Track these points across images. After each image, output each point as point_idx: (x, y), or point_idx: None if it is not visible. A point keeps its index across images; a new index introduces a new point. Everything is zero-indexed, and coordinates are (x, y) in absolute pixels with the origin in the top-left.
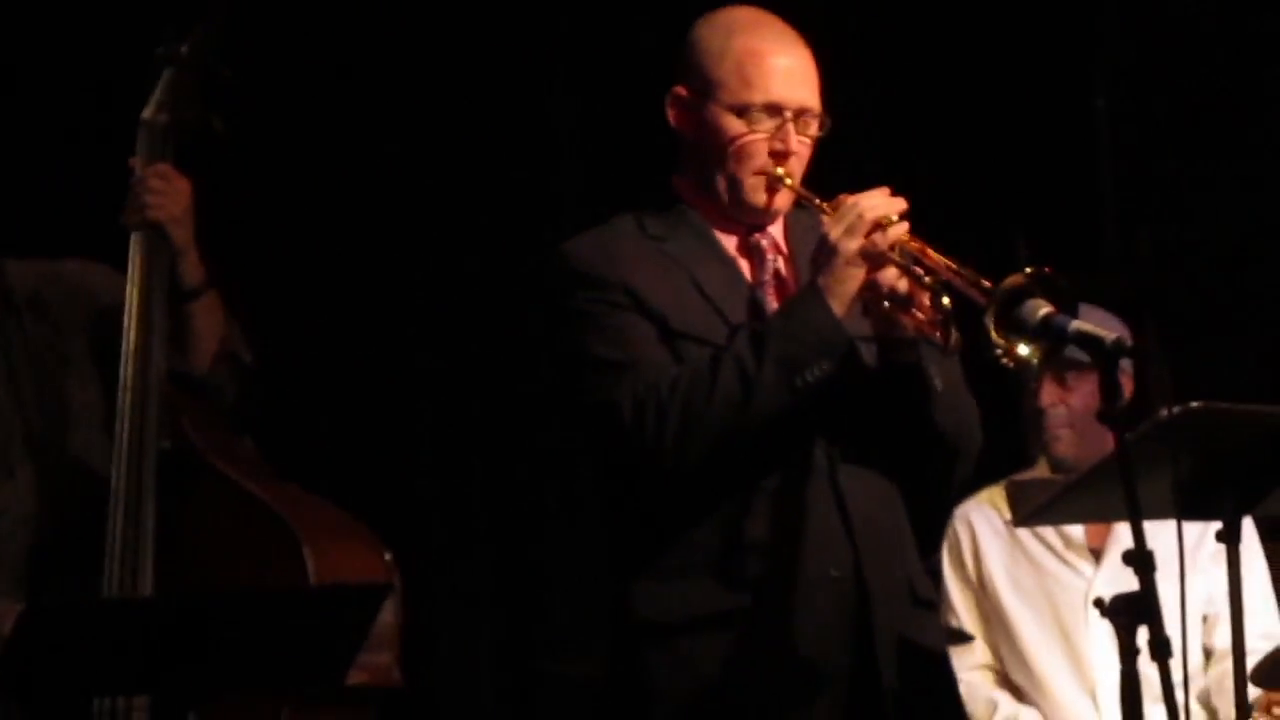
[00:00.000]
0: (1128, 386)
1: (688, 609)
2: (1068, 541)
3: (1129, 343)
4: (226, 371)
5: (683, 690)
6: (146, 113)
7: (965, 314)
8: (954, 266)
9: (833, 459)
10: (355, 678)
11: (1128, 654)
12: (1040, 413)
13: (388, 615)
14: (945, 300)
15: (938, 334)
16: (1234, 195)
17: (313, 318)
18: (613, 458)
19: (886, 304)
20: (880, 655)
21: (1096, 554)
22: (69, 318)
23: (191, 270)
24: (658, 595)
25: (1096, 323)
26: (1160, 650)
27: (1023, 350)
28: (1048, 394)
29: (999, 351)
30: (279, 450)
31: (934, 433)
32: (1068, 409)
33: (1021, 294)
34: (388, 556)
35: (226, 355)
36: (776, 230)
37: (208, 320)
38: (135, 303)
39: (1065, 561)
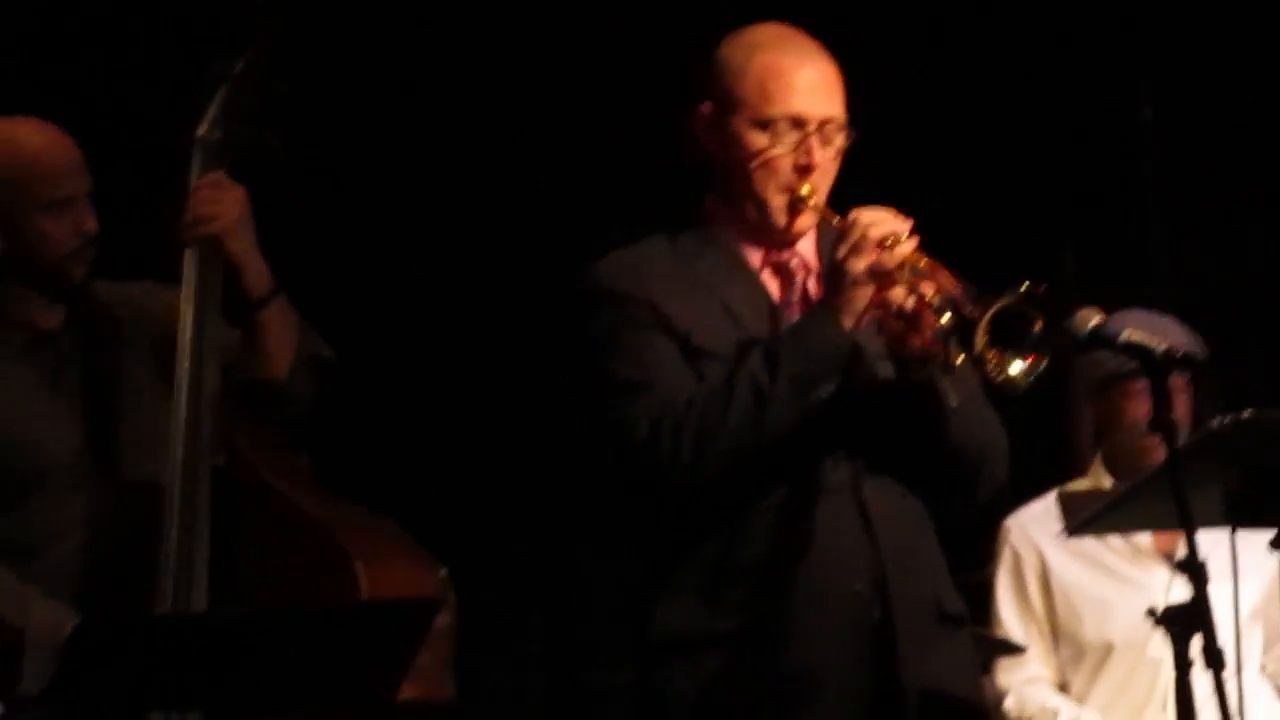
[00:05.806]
0: (1187, 395)
1: (712, 624)
2: (1136, 548)
3: (1180, 352)
4: (308, 374)
5: (708, 706)
6: (201, 130)
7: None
8: (961, 285)
9: (857, 475)
10: (408, 692)
11: (1181, 664)
12: (1134, 425)
13: (440, 630)
14: (945, 318)
15: (942, 352)
16: None
17: (364, 325)
18: (627, 475)
19: (897, 322)
20: (904, 672)
21: (1169, 557)
22: (138, 339)
23: (256, 279)
24: (681, 611)
25: (1158, 331)
26: (1214, 660)
27: (1014, 370)
28: (1140, 405)
29: (990, 369)
30: (333, 465)
31: (951, 449)
32: None
33: (1014, 313)
34: (442, 573)
35: (306, 358)
36: (807, 246)
37: (281, 326)
38: (189, 320)
39: (1140, 566)
